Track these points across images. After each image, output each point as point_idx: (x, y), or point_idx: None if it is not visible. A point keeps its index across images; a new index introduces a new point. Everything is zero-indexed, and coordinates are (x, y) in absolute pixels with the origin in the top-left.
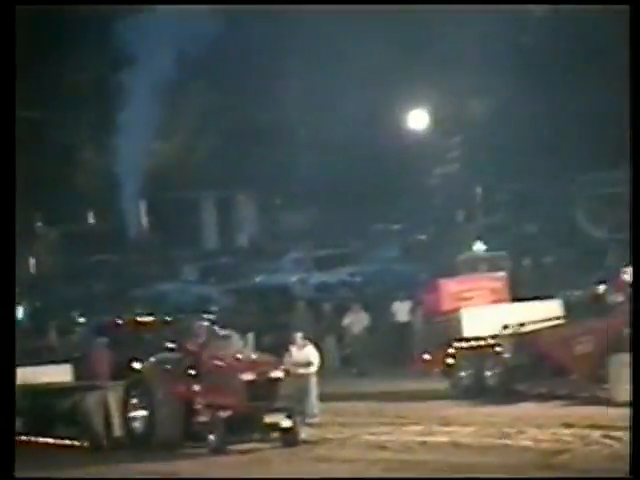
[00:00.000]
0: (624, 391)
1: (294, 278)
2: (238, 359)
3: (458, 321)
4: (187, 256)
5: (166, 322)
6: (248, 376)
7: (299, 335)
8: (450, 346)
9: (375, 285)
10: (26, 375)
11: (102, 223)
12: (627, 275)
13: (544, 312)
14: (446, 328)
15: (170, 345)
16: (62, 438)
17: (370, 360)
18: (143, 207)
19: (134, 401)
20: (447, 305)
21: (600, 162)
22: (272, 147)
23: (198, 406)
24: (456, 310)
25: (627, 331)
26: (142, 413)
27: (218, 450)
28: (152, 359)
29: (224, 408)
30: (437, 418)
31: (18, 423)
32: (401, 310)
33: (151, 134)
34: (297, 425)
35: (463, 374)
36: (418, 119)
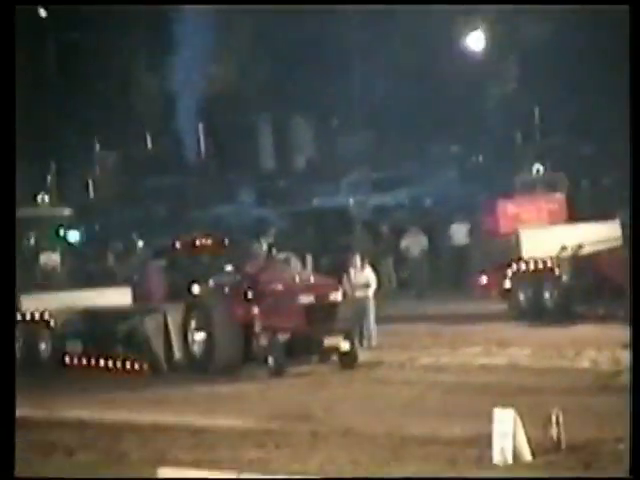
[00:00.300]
0: None
1: (352, 200)
2: (296, 282)
3: (516, 243)
4: (244, 178)
5: (224, 245)
6: (307, 299)
7: (357, 257)
8: (508, 268)
9: (433, 207)
10: (85, 298)
11: (160, 146)
12: None
13: (603, 233)
14: (504, 250)
15: (228, 268)
16: (122, 361)
17: (428, 282)
18: (200, 130)
19: (193, 324)
20: (505, 227)
21: None
22: (329, 69)
23: (257, 329)
24: (514, 232)
25: None
26: (201, 336)
27: (277, 373)
28: (210, 282)
29: (283, 331)
30: (495, 340)
31: (77, 346)
32: (459, 232)
33: (208, 57)
34: (355, 347)
35: (521, 296)
36: (476, 39)
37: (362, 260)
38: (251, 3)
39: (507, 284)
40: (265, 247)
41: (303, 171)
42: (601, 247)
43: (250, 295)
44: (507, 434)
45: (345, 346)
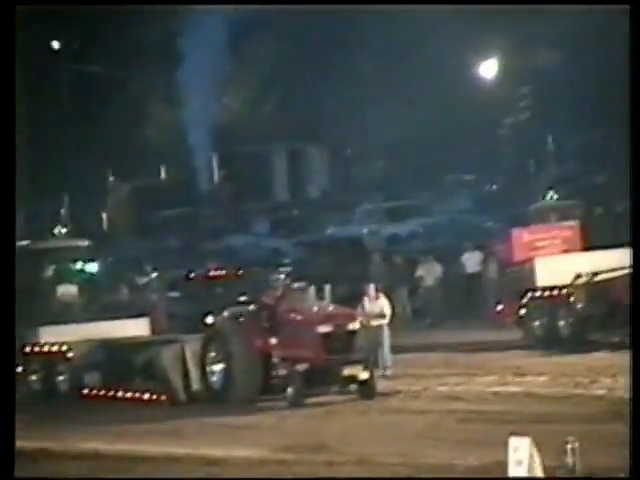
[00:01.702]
0: None
1: (365, 230)
2: (315, 311)
3: (531, 271)
4: (258, 209)
5: (238, 275)
6: (325, 328)
7: (371, 287)
8: (523, 296)
9: (447, 236)
10: (103, 329)
11: (173, 177)
12: None
13: (617, 261)
14: (519, 278)
15: (242, 299)
16: (140, 392)
17: (443, 311)
18: (214, 160)
19: (212, 355)
20: (520, 255)
21: None
22: (342, 98)
23: (275, 359)
24: (529, 260)
25: None
26: (220, 367)
27: (296, 403)
28: (226, 313)
29: (301, 361)
30: (510, 368)
31: (95, 377)
32: (471, 261)
33: (220, 88)
34: (374, 377)
35: (536, 324)
36: (489, 69)
37: (376, 289)
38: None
39: (522, 312)
40: (282, 277)
41: (317, 201)
42: (616, 274)
43: (268, 325)
44: (522, 462)
45: (364, 375)
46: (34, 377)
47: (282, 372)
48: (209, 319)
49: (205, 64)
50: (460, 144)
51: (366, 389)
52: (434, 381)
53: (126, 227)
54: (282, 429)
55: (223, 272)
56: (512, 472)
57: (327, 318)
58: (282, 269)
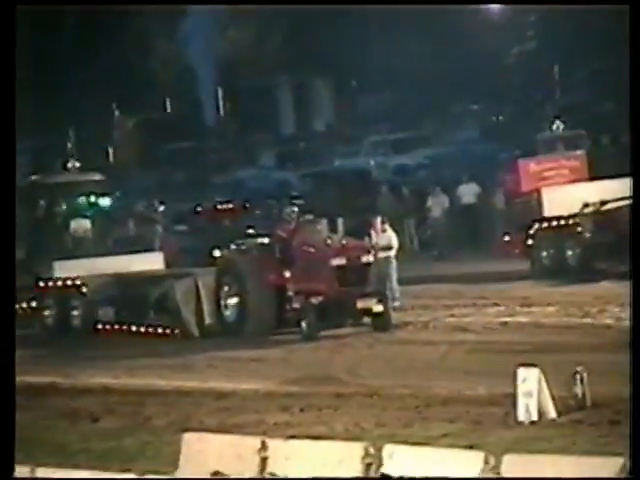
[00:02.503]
0: None
1: (372, 162)
2: (328, 244)
3: (538, 201)
4: (265, 142)
5: (246, 209)
6: (339, 261)
7: (378, 219)
8: (531, 227)
9: (454, 167)
10: (116, 264)
11: (179, 111)
12: None
13: (624, 190)
14: (526, 209)
15: (250, 231)
16: (153, 327)
17: (450, 242)
18: (220, 94)
19: (225, 289)
20: (527, 185)
21: None
22: (348, 29)
23: (289, 293)
24: (536, 190)
25: None
26: (234, 301)
27: (310, 337)
28: (233, 246)
29: (315, 294)
30: (518, 299)
31: (109, 312)
32: (466, 193)
33: (225, 20)
34: (389, 309)
35: (544, 254)
36: None
37: (383, 222)
38: None
39: (529, 243)
40: (296, 210)
41: (323, 133)
42: (623, 203)
43: (282, 258)
44: (531, 392)
45: (378, 308)
46: (47, 312)
47: (296, 305)
48: (217, 252)
49: None
50: (466, 74)
51: (380, 321)
52: (442, 312)
53: (133, 161)
54: (292, 362)
55: (230, 206)
56: (521, 402)
57: (341, 251)
58: (295, 202)
